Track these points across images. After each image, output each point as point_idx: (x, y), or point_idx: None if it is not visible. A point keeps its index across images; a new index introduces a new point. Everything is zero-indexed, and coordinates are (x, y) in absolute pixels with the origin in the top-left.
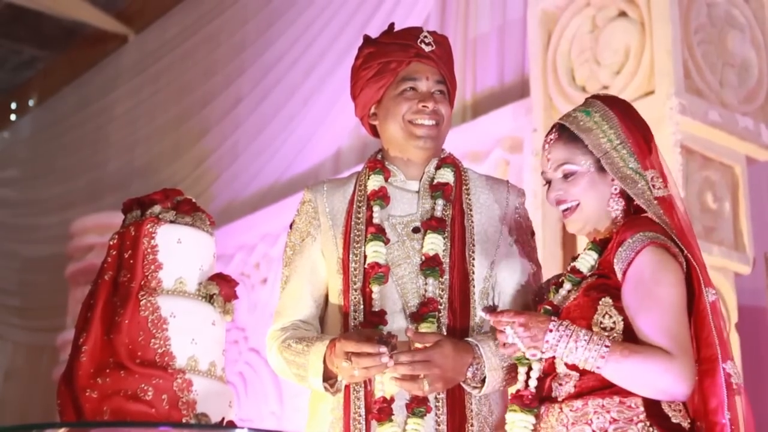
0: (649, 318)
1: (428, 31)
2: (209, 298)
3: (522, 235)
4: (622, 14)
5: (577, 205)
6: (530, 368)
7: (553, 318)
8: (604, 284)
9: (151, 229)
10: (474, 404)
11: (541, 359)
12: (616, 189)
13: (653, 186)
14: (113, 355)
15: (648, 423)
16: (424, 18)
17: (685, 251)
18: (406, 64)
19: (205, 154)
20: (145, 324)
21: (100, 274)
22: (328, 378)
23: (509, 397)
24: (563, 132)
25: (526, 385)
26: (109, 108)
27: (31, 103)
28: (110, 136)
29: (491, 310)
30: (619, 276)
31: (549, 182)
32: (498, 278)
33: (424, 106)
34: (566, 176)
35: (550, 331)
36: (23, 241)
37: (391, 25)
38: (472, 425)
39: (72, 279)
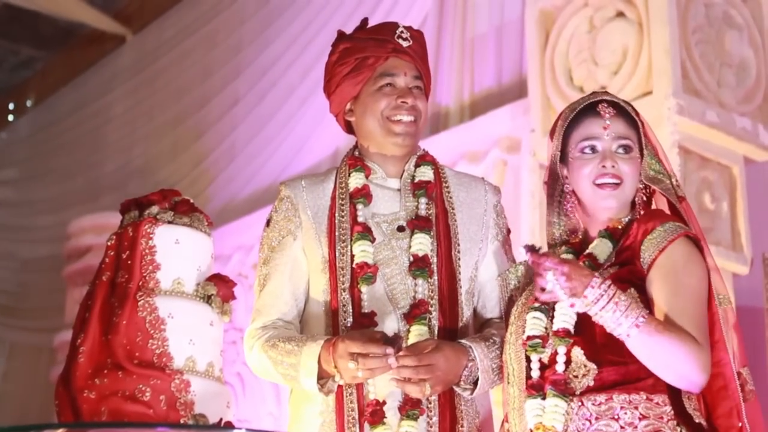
0: (678, 304)
1: (404, 26)
2: (207, 299)
3: (500, 233)
4: (620, 14)
5: (621, 183)
6: (540, 357)
7: (596, 274)
8: (628, 274)
9: (149, 230)
10: (464, 405)
11: (566, 343)
12: (642, 184)
13: (678, 186)
14: (111, 356)
15: (676, 422)
16: (422, 18)
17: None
18: (384, 60)
19: (202, 154)
20: (143, 324)
21: (98, 274)
22: (319, 378)
23: (525, 385)
24: (620, 112)
25: (552, 370)
26: (107, 108)
27: (28, 103)
28: (108, 136)
29: (533, 249)
30: (647, 262)
31: (592, 149)
32: (479, 278)
33: (403, 102)
34: (625, 150)
35: (591, 287)
36: (21, 242)
37: (365, 20)
38: (462, 426)
39: (70, 279)
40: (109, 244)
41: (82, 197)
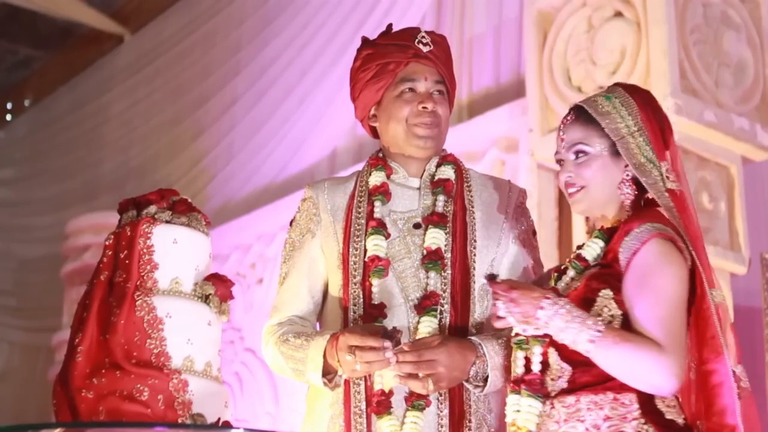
0: (644, 308)
1: (426, 31)
2: (205, 299)
3: (524, 233)
4: (618, 14)
5: (583, 188)
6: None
7: (547, 295)
8: (606, 274)
9: (146, 230)
10: (473, 400)
11: (542, 343)
12: (628, 175)
13: (667, 177)
14: (109, 356)
15: (643, 420)
16: (420, 18)
17: (691, 248)
18: (405, 65)
19: (200, 154)
20: (141, 324)
21: (96, 274)
22: (327, 373)
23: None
24: (581, 114)
25: (527, 371)
26: (105, 108)
27: (26, 103)
28: (106, 136)
29: (492, 278)
30: (623, 265)
31: (560, 163)
32: (501, 277)
33: (423, 108)
34: (578, 156)
35: (542, 308)
36: (19, 241)
37: (389, 27)
38: (470, 420)
39: (68, 279)
40: (107, 243)
41: (80, 197)
